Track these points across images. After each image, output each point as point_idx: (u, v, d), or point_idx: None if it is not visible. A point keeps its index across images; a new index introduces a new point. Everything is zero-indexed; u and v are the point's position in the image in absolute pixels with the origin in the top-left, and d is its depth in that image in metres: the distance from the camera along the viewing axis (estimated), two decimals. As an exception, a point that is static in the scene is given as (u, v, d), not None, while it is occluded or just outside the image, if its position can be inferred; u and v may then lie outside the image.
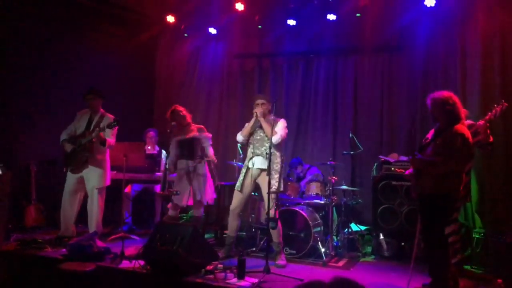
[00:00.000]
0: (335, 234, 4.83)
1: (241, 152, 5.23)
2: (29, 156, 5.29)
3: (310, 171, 5.41)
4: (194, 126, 4.47)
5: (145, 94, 6.92)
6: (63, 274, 3.54)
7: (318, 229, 4.56)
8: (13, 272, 3.86)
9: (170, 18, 6.34)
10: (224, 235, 5.08)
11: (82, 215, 4.62)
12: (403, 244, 4.55)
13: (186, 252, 3.43)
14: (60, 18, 5.64)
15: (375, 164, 5.03)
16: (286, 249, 4.33)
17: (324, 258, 4.23)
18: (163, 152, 5.57)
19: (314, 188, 4.89)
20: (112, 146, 4.58)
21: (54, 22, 5.60)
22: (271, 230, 3.86)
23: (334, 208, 4.84)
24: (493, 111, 3.55)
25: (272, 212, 3.73)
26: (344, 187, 4.89)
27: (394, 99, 5.68)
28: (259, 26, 6.17)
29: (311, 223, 4.42)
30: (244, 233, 4.92)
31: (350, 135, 5.09)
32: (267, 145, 3.91)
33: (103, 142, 4.48)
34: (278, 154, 3.95)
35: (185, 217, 5.51)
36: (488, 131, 3.55)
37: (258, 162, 4.00)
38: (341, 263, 4.22)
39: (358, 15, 5.61)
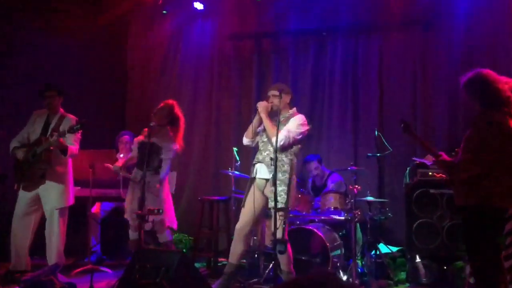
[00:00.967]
0: (359, 257, 4.86)
1: (238, 159, 5.29)
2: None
3: (332, 178, 5.44)
4: (171, 135, 4.55)
5: (115, 88, 6.92)
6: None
7: (338, 252, 4.60)
8: None
9: (145, -9, 6.47)
10: (219, 263, 5.09)
11: (39, 244, 4.53)
12: (445, 268, 4.57)
13: (172, 286, 3.44)
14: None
15: (408, 169, 5.06)
16: (298, 279, 4.36)
17: (347, 289, 4.25)
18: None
19: (332, 201, 4.92)
20: (75, 155, 4.52)
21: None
22: (278, 255, 3.80)
23: (357, 225, 4.87)
24: None
25: (279, 233, 3.68)
26: (369, 198, 4.90)
27: (430, 87, 5.72)
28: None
29: (329, 245, 4.45)
30: (244, 260, 4.90)
31: (376, 132, 5.12)
32: (272, 148, 3.86)
33: (63, 150, 4.41)
34: (285, 160, 3.87)
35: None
36: None
37: (261, 171, 3.97)
38: (368, 295, 4.27)
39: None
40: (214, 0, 6.40)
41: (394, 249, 5.11)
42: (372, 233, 4.89)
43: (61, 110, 4.69)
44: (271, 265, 4.46)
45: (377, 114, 5.89)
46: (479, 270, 3.02)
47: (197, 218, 5.27)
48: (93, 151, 5.03)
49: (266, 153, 3.96)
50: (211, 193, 6.07)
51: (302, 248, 4.46)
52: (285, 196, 3.74)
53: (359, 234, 5.01)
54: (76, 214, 4.84)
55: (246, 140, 4.12)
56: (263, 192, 3.98)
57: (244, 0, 6.32)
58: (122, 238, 5.42)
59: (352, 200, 4.71)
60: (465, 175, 2.96)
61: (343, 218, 4.79)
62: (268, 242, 4.67)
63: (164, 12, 6.79)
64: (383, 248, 4.99)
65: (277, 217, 3.64)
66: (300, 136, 3.93)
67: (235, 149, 5.28)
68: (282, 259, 3.88)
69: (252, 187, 3.98)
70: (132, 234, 4.51)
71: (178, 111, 4.66)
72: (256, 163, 4.03)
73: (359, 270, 4.64)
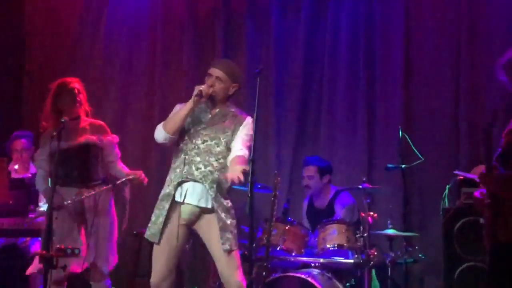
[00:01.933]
0: (376, 321, 4.95)
1: None
2: None
3: (341, 199, 5.42)
4: (86, 121, 4.65)
5: (7, 69, 6.85)
6: None
7: (344, 314, 4.66)
8: None
9: None
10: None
11: None
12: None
13: None
14: None
15: (448, 187, 5.04)
16: None
17: None
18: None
19: (335, 235, 4.90)
20: None
21: None
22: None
23: (373, 272, 4.88)
24: None
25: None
26: (390, 231, 4.89)
27: (479, 68, 5.70)
28: None
29: (330, 303, 4.47)
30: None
31: (400, 133, 5.12)
32: (219, 160, 3.95)
33: None
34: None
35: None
36: None
37: (195, 194, 3.99)
38: None
39: None
40: None
41: (428, 307, 5.17)
42: (395, 283, 4.90)
43: None
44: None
45: (401, 105, 5.89)
46: None
47: (131, 263, 5.24)
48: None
49: (207, 168, 3.96)
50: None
51: (290, 306, 4.50)
52: (231, 235, 3.90)
53: (376, 284, 4.99)
54: None
55: (163, 135, 4.03)
56: (190, 225, 4.02)
57: None
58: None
59: (365, 234, 4.72)
60: None
61: (351, 261, 4.79)
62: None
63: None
64: (412, 306, 5.04)
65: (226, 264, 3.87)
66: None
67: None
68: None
69: (172, 215, 3.99)
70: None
71: (75, 84, 4.73)
72: (185, 181, 3.97)
73: None
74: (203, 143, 3.98)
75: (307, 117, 6.19)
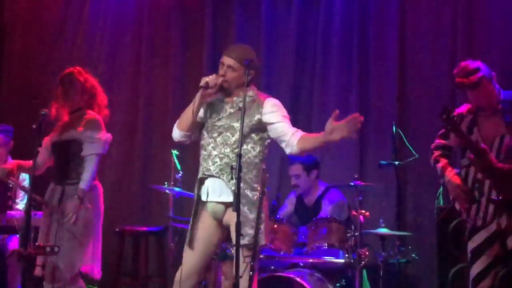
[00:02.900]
0: (367, 324, 4.94)
1: (179, 167, 5.33)
2: None
3: (330, 196, 5.40)
4: (90, 115, 4.64)
5: None
6: None
7: (334, 315, 4.66)
8: None
9: None
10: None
11: None
12: None
13: None
14: None
15: (442, 185, 4.94)
16: None
17: None
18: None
19: (325, 234, 4.90)
20: None
21: None
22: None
23: (364, 272, 4.88)
24: None
25: (243, 284, 3.65)
26: (383, 230, 4.86)
27: (479, 54, 5.49)
28: None
29: (320, 305, 4.48)
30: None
31: (394, 129, 5.11)
32: (235, 150, 3.82)
33: None
34: (252, 163, 3.93)
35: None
36: None
37: (216, 190, 3.93)
38: None
39: None
40: None
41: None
42: (387, 283, 4.86)
43: None
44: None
45: (395, 99, 5.88)
46: None
47: (114, 261, 5.21)
48: None
49: (223, 160, 3.87)
50: (137, 221, 6.08)
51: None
52: (253, 228, 3.77)
53: (367, 285, 4.99)
54: None
55: (178, 133, 4.03)
56: (221, 222, 3.96)
57: None
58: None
59: (356, 233, 4.72)
60: None
61: (342, 260, 4.79)
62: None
63: None
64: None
65: (241, 259, 3.65)
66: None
67: (174, 152, 5.33)
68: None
69: (202, 214, 3.96)
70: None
71: (92, 80, 4.72)
72: (204, 178, 3.92)
73: None
74: (219, 135, 3.91)
75: (298, 109, 6.14)
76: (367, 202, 5.12)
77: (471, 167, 3.95)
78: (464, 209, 3.96)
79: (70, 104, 4.61)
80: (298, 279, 4.47)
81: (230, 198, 3.79)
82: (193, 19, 6.59)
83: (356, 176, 4.95)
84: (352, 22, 6.11)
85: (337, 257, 4.79)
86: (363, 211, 4.72)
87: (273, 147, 6.04)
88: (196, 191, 4.00)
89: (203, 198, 3.95)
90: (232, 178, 3.71)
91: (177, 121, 4.04)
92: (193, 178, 4.18)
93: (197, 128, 4.03)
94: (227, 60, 3.93)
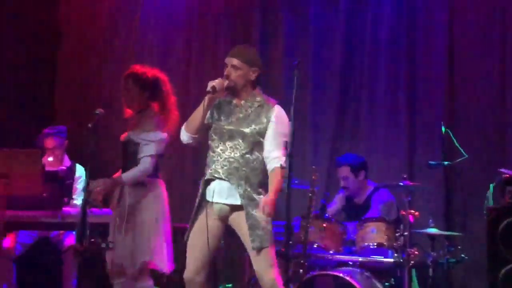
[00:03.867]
0: (416, 323, 4.93)
1: None
2: None
3: (379, 196, 5.42)
4: (148, 116, 4.67)
5: (40, 62, 6.88)
6: None
7: (383, 315, 4.68)
8: None
9: None
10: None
11: None
12: None
13: None
14: None
15: (492, 186, 4.96)
16: None
17: None
18: (79, 168, 5.67)
19: (374, 233, 4.92)
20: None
21: None
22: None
23: (413, 272, 4.90)
24: None
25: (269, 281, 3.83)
26: (432, 230, 4.84)
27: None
28: None
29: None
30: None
31: (443, 129, 5.12)
32: (244, 155, 3.93)
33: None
34: (257, 165, 3.98)
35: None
36: None
37: (223, 192, 4.01)
38: None
39: None
40: None
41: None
42: (436, 284, 4.86)
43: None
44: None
45: (444, 100, 5.87)
46: None
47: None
48: (8, 150, 4.91)
49: (232, 165, 3.93)
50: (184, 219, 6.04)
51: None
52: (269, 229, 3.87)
53: (416, 285, 4.99)
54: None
55: (186, 136, 4.10)
56: (223, 221, 4.06)
57: None
58: (50, 286, 5.48)
59: (405, 233, 4.70)
60: None
61: (391, 260, 4.80)
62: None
63: None
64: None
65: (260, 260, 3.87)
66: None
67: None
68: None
69: (205, 212, 4.01)
70: (116, 281, 4.57)
71: (164, 78, 4.79)
72: (211, 179, 3.99)
73: None
74: (228, 139, 3.95)
75: (345, 110, 6.19)
76: (416, 202, 5.10)
77: None
78: None
79: (133, 104, 4.72)
80: (347, 278, 4.48)
81: (237, 201, 3.89)
82: (242, 22, 6.63)
83: (405, 176, 4.94)
84: (399, 23, 6.10)
85: (386, 257, 4.80)
86: (412, 211, 4.70)
87: (323, 146, 6.14)
88: (200, 191, 4.05)
89: (208, 198, 4.00)
90: (240, 184, 3.84)
91: (185, 124, 4.10)
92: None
93: (204, 130, 4.08)
94: (230, 60, 3.99)
